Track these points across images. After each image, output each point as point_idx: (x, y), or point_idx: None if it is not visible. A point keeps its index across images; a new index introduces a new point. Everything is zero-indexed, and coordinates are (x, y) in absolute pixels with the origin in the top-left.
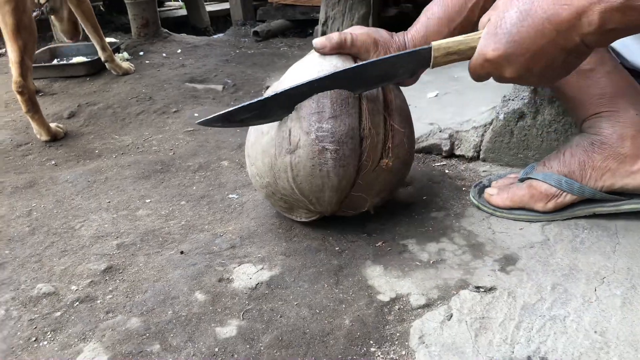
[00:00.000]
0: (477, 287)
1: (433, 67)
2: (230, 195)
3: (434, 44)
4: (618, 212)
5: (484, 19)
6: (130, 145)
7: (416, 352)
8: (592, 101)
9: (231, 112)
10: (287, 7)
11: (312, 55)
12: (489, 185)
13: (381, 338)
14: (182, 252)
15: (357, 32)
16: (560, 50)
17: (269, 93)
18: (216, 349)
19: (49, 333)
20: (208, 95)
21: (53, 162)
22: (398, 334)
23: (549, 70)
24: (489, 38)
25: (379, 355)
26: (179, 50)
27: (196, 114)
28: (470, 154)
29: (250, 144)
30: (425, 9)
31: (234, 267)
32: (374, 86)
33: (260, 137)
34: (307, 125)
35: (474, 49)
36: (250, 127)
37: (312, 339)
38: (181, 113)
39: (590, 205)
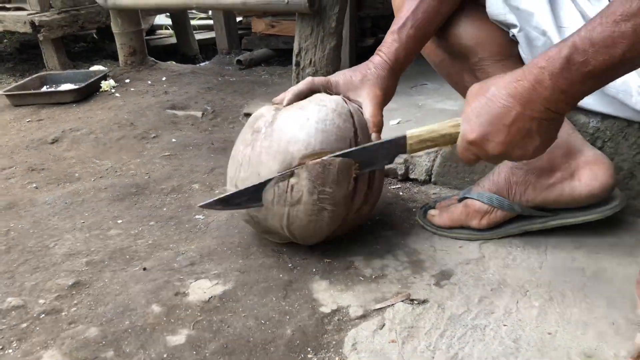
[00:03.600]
0: (412, 300)
1: (409, 154)
2: (197, 216)
3: (408, 132)
4: (547, 229)
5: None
6: (109, 169)
7: (348, 358)
8: None
9: (230, 195)
10: (270, 37)
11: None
12: (434, 207)
13: (318, 346)
14: (144, 269)
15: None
16: (531, 119)
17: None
18: (165, 356)
19: (14, 342)
20: (187, 121)
21: (34, 185)
22: (334, 342)
23: (530, 140)
24: (466, 124)
25: None
26: (164, 78)
27: (174, 140)
28: (422, 177)
29: (241, 179)
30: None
31: (191, 282)
32: (361, 171)
33: (256, 178)
34: (312, 187)
35: (444, 136)
36: (241, 164)
37: (254, 346)
38: (160, 138)
39: (521, 222)
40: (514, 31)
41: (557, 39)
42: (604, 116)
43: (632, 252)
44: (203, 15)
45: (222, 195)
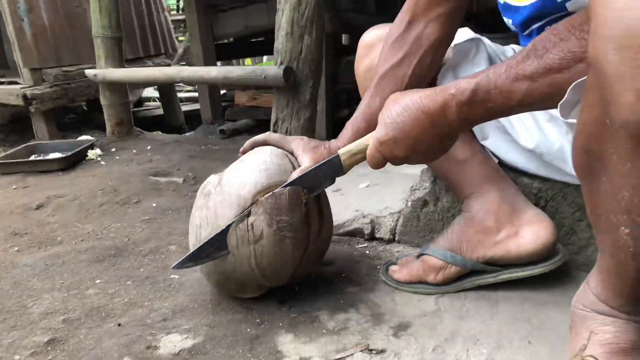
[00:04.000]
0: (370, 350)
1: (346, 171)
2: (172, 276)
3: (340, 151)
4: (498, 282)
5: (379, 116)
6: (90, 232)
7: None
8: (466, 185)
9: (198, 249)
10: (252, 109)
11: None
12: (396, 263)
13: None
14: (119, 325)
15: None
16: (435, 134)
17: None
18: None
19: None
20: (169, 187)
21: (16, 249)
22: None
23: (430, 150)
24: (381, 127)
25: None
26: (149, 147)
27: (154, 204)
28: (387, 236)
29: (204, 239)
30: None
31: (162, 337)
32: (311, 193)
33: (217, 231)
34: (270, 219)
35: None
36: (200, 225)
37: None
38: (141, 203)
39: (474, 277)
40: None
41: None
42: (543, 179)
43: None
44: (189, 88)
45: (190, 252)
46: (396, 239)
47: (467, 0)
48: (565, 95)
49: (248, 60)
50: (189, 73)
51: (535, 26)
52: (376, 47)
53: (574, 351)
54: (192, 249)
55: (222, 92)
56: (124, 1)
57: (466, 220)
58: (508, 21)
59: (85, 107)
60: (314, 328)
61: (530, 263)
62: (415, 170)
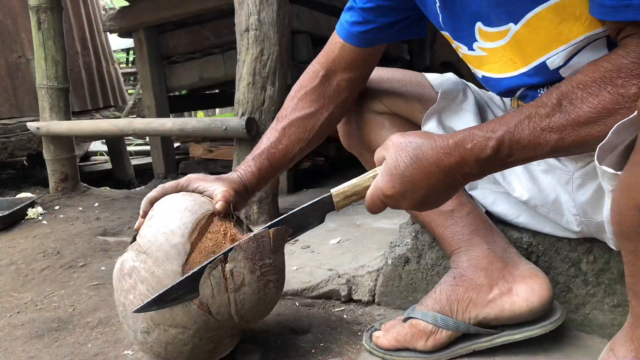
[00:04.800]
0: None
1: (338, 210)
2: (125, 352)
3: (333, 191)
4: (494, 347)
5: (378, 154)
6: (29, 302)
7: None
8: (454, 238)
9: (164, 292)
10: (208, 161)
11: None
12: (379, 329)
13: None
14: None
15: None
16: (445, 185)
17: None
18: None
19: None
20: (119, 247)
21: None
22: None
23: (436, 200)
24: (386, 177)
25: None
26: (97, 204)
27: (103, 267)
28: (366, 298)
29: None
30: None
31: None
32: (295, 235)
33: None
34: (252, 265)
35: (367, 188)
36: (143, 301)
37: None
38: (88, 267)
39: (468, 341)
40: None
41: None
42: (533, 232)
43: None
44: (139, 141)
45: (157, 295)
46: (376, 300)
47: (370, 73)
48: (606, 138)
49: (200, 113)
50: (142, 125)
51: (522, 91)
52: (363, 90)
53: None
54: (139, 348)
55: (176, 145)
56: (71, 52)
57: (455, 278)
58: (488, 91)
59: (25, 162)
60: None
61: (527, 323)
62: (388, 224)
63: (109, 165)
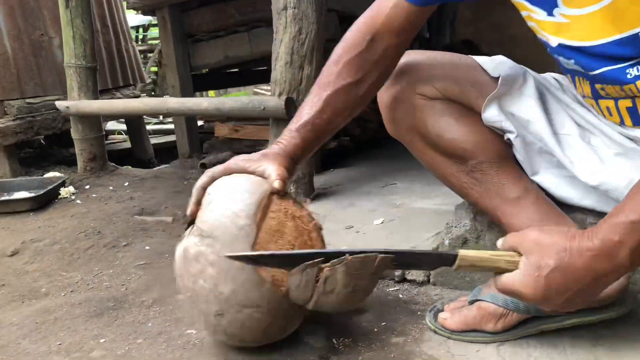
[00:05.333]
0: None
1: (456, 270)
2: (188, 331)
3: (462, 252)
4: (563, 328)
5: (511, 243)
6: (80, 281)
7: None
8: (522, 225)
9: (262, 254)
10: (233, 141)
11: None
12: (442, 310)
13: None
14: None
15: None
16: (598, 283)
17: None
18: None
19: None
20: (158, 227)
21: None
22: None
23: (583, 300)
24: (528, 281)
25: None
26: (127, 183)
27: (147, 247)
28: (420, 278)
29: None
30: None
31: None
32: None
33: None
34: (348, 281)
35: (496, 268)
36: (216, 286)
37: None
38: (131, 247)
39: (537, 322)
40: (510, 136)
41: (554, 144)
42: (598, 213)
43: None
44: (155, 120)
45: (256, 254)
46: (431, 280)
47: (411, 41)
48: None
49: (211, 93)
50: (176, 104)
51: (604, 72)
52: (406, 73)
53: None
54: (211, 330)
55: (200, 123)
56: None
57: None
58: (566, 60)
59: (42, 141)
60: None
61: (599, 307)
62: (429, 205)
63: (128, 144)
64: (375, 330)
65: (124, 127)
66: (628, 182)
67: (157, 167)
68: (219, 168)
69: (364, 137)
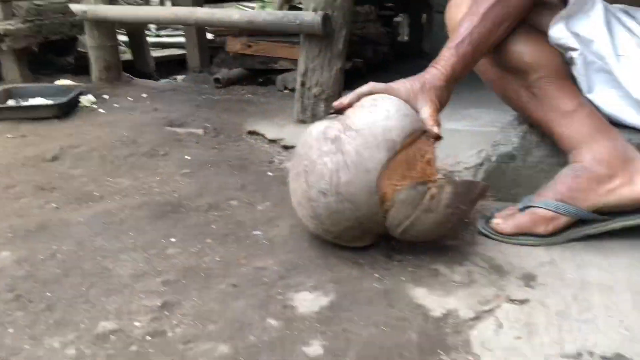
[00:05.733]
0: (512, 300)
1: None
2: (254, 232)
3: None
4: (606, 232)
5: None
6: (129, 187)
7: (482, 356)
8: (576, 136)
9: None
10: (245, 57)
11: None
12: (493, 217)
13: (447, 348)
14: (234, 285)
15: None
16: None
17: None
18: None
19: None
20: (190, 139)
21: (54, 205)
22: (460, 343)
23: None
24: None
25: None
26: (145, 95)
27: (187, 157)
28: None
29: (345, 183)
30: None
31: (293, 295)
32: None
33: (364, 175)
34: (451, 202)
35: None
36: (336, 169)
37: (389, 352)
38: (170, 156)
39: (583, 227)
40: (573, 54)
41: (615, 64)
42: None
43: None
44: (152, 32)
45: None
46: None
47: None
48: None
49: None
50: (205, 15)
51: None
52: None
53: None
54: (301, 201)
55: (210, 36)
56: None
57: (577, 171)
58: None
59: (34, 48)
60: (441, 282)
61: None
62: (464, 126)
63: (128, 56)
64: None
65: (122, 38)
66: None
67: (171, 80)
68: (381, 85)
69: (375, 59)
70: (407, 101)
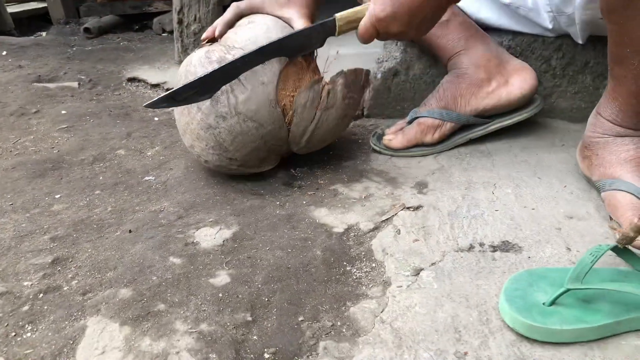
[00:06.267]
0: (407, 207)
1: (338, 35)
2: (146, 178)
3: (337, 15)
4: (487, 134)
5: None
6: (2, 149)
7: (384, 261)
8: (452, 44)
9: (175, 91)
10: (115, 3)
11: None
12: (384, 134)
13: (351, 258)
14: (130, 231)
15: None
16: (431, 7)
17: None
18: (220, 295)
19: (26, 326)
20: (65, 93)
21: None
22: (364, 253)
23: (424, 23)
24: (378, 2)
25: (355, 272)
26: (5, 52)
27: (63, 111)
28: (356, 112)
29: (244, 97)
30: None
31: (193, 232)
32: (296, 54)
33: (261, 88)
34: (345, 93)
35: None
36: (237, 84)
37: (296, 271)
38: (43, 112)
39: (465, 132)
40: None
41: None
42: (514, 34)
43: (554, 143)
44: None
45: (167, 92)
46: (365, 113)
47: None
48: None
49: None
50: None
51: None
52: None
53: (595, 171)
54: (199, 134)
55: None
56: None
57: (458, 77)
58: None
59: None
60: (340, 200)
61: (514, 110)
62: (351, 51)
63: None
64: (325, 158)
65: None
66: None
67: (36, 37)
68: (244, 3)
69: None
70: (273, 14)
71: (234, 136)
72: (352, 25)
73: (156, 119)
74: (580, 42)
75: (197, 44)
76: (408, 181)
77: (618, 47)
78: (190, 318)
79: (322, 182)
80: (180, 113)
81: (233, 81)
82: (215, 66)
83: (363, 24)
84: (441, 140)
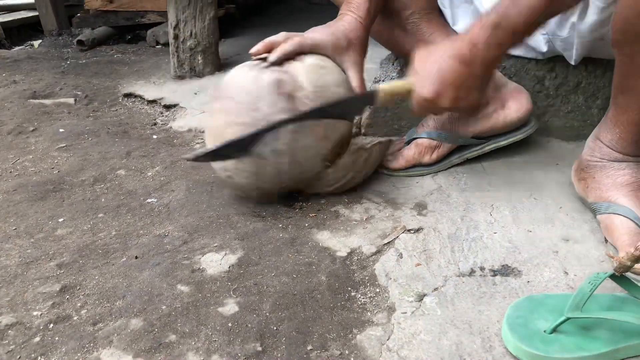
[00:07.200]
0: (408, 230)
1: (381, 105)
2: (148, 200)
3: (379, 87)
4: (483, 154)
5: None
6: (2, 170)
7: (388, 286)
8: None
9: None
10: (108, 14)
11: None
12: None
13: (355, 284)
14: (136, 257)
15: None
16: (470, 75)
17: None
18: (229, 324)
19: (39, 358)
20: (62, 109)
21: None
22: (367, 277)
23: (473, 91)
24: (421, 83)
25: (360, 297)
26: None
27: (61, 130)
28: (353, 131)
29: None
30: None
31: (199, 258)
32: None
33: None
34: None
35: (409, 90)
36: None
37: (302, 297)
38: (41, 131)
39: (461, 152)
40: None
41: None
42: (508, 55)
43: (547, 163)
44: None
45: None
46: (362, 131)
47: None
48: None
49: None
50: None
51: None
52: None
53: (591, 194)
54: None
55: None
56: None
57: None
58: None
59: None
60: (342, 222)
61: (510, 132)
62: None
63: None
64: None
65: None
66: None
67: (27, 47)
68: (309, 42)
69: (248, 2)
70: (332, 58)
71: (278, 172)
72: (392, 98)
73: (155, 137)
74: (572, 63)
75: (194, 59)
76: (408, 202)
77: (625, 77)
78: (201, 349)
79: (322, 203)
80: (223, 122)
81: (299, 123)
82: (285, 103)
83: (415, 102)
84: (439, 160)
